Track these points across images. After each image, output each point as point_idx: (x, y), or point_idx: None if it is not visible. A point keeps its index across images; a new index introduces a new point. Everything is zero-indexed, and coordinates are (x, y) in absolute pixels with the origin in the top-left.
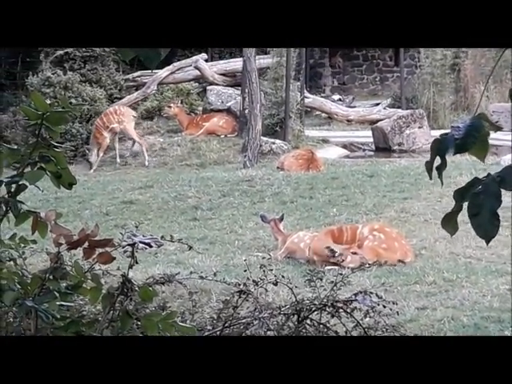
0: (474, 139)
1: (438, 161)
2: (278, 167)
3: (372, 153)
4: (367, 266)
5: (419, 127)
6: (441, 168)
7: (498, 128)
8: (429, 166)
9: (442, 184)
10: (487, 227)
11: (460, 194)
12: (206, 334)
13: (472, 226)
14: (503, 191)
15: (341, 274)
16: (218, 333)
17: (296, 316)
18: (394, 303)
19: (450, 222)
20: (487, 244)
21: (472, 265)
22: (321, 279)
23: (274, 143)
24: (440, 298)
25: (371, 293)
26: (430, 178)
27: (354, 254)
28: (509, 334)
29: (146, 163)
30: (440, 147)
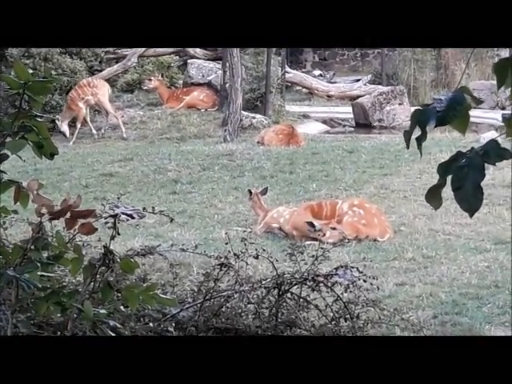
0: (455, 112)
1: (415, 134)
2: (258, 142)
3: (352, 129)
4: (346, 241)
5: (399, 104)
6: (421, 139)
7: (480, 101)
8: (407, 135)
9: (421, 155)
10: (471, 200)
11: (443, 168)
12: (187, 306)
13: (455, 199)
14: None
15: (322, 249)
16: (198, 305)
17: (277, 289)
18: (374, 278)
19: (434, 196)
20: (471, 217)
21: (451, 241)
22: (302, 253)
23: (254, 118)
24: (419, 274)
25: (352, 267)
26: (407, 148)
27: (334, 229)
28: (487, 312)
29: (124, 135)
30: (421, 118)
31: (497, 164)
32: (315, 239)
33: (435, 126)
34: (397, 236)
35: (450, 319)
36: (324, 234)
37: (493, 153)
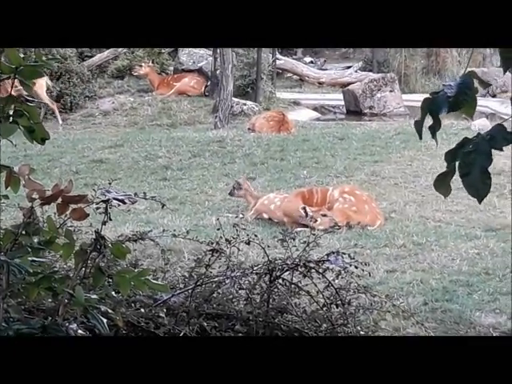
0: (466, 97)
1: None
2: (248, 128)
3: (343, 116)
4: (337, 228)
5: (390, 91)
6: (435, 127)
7: (488, 85)
8: (419, 125)
9: (437, 144)
10: (479, 186)
11: (451, 155)
12: (178, 292)
13: (463, 185)
14: None
15: (313, 235)
16: (189, 291)
17: (268, 275)
18: (365, 264)
19: (443, 184)
20: (480, 203)
21: (441, 228)
22: (293, 239)
23: (245, 104)
24: (409, 261)
25: (343, 253)
26: (420, 138)
27: (324, 216)
28: (477, 298)
29: (60, 122)
30: (432, 106)
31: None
32: (306, 226)
33: (447, 112)
34: (387, 223)
35: (440, 306)
36: (315, 221)
37: (499, 137)
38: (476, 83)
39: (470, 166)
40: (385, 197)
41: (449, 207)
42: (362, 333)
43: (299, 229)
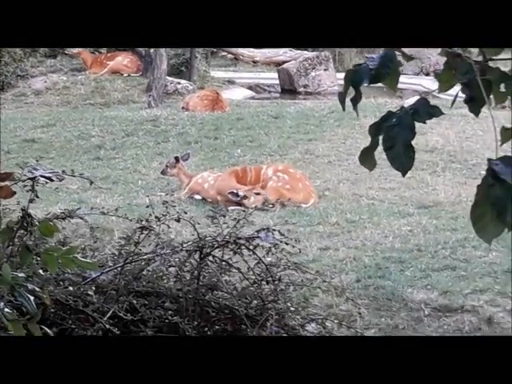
0: (388, 69)
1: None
2: (182, 107)
3: (278, 94)
4: (271, 206)
5: (325, 69)
6: (356, 99)
7: (410, 58)
8: (342, 97)
9: (358, 115)
10: (403, 159)
11: (374, 129)
12: (107, 269)
13: (388, 158)
14: None
15: (243, 211)
16: (118, 269)
17: (198, 253)
18: (296, 241)
19: (367, 158)
20: (403, 176)
21: (375, 206)
22: (224, 216)
23: (179, 83)
24: (342, 238)
25: (274, 230)
26: (343, 110)
27: (258, 194)
28: (409, 275)
29: None
30: (354, 78)
31: (422, 128)
32: (240, 204)
33: (368, 84)
34: (321, 201)
35: (372, 283)
36: (249, 199)
37: (422, 111)
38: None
39: (393, 139)
40: (318, 175)
41: (382, 185)
42: (292, 309)
43: (233, 207)
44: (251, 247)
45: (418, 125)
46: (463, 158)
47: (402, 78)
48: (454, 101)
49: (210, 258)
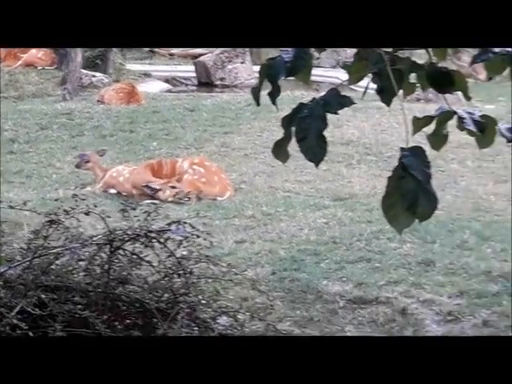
0: (303, 62)
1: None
2: (98, 100)
3: (194, 87)
4: (186, 199)
5: (241, 62)
6: (274, 93)
7: (323, 49)
8: (256, 92)
9: (278, 110)
10: (315, 150)
11: (287, 120)
12: (15, 264)
13: (300, 150)
14: None
15: (154, 204)
16: (27, 263)
17: (108, 246)
18: (208, 233)
19: (280, 150)
20: (316, 166)
21: (290, 199)
22: (134, 209)
23: (94, 76)
24: (258, 231)
25: (185, 223)
26: (258, 105)
27: (173, 187)
28: (325, 267)
29: None
30: (270, 72)
31: (338, 120)
32: (155, 198)
33: (285, 77)
34: (237, 194)
35: (288, 275)
36: (163, 193)
37: (333, 101)
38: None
39: (305, 130)
40: (235, 168)
41: (298, 177)
42: (203, 302)
43: (148, 201)
44: (162, 240)
45: (334, 117)
46: (378, 151)
47: (318, 71)
48: (364, 92)
49: (121, 251)
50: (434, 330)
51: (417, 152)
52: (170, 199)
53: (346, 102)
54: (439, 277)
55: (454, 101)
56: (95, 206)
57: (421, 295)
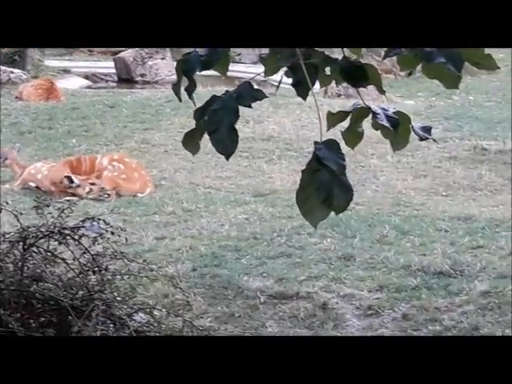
0: (218, 55)
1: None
2: (16, 97)
3: (115, 84)
4: (106, 196)
5: (162, 58)
6: (190, 88)
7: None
8: (176, 88)
9: (195, 105)
10: (226, 142)
11: (199, 113)
12: None
13: (211, 142)
14: None
15: (68, 201)
16: None
17: (22, 243)
18: (122, 230)
19: (191, 142)
20: (227, 159)
21: (211, 195)
22: (48, 206)
23: (12, 72)
24: (179, 227)
25: (99, 219)
26: (180, 101)
27: (93, 184)
28: (245, 263)
29: None
30: (185, 67)
31: (259, 116)
32: (74, 195)
33: (200, 71)
34: (157, 190)
35: (209, 271)
36: (83, 189)
37: (247, 95)
38: None
39: (217, 123)
40: (155, 164)
41: (219, 173)
42: (119, 298)
43: (68, 198)
44: (76, 237)
45: (254, 113)
46: (299, 146)
47: (239, 67)
48: (278, 86)
49: (35, 248)
50: (355, 324)
51: (331, 145)
52: (89, 196)
53: (259, 95)
54: (359, 271)
55: (376, 97)
56: (7, 203)
57: (341, 290)
